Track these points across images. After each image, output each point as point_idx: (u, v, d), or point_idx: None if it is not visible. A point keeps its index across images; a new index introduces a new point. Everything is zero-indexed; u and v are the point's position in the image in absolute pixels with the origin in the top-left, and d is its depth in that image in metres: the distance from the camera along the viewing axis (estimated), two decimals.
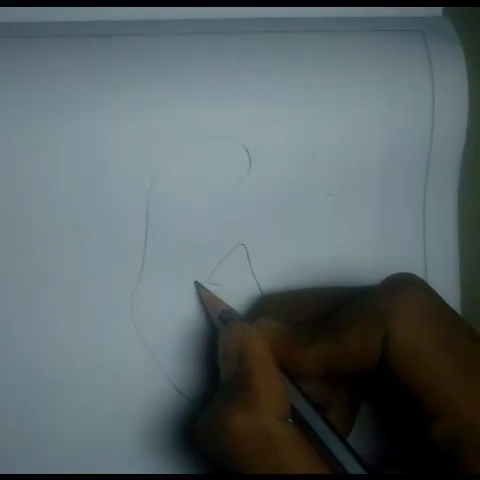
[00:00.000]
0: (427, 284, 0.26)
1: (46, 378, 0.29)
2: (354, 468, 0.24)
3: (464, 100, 0.30)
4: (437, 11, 0.32)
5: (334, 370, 0.25)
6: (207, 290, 0.29)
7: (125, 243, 0.29)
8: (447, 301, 0.26)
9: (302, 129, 0.29)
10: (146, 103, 0.28)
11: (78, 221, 0.28)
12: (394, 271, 0.27)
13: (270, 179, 0.29)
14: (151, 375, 0.29)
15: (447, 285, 0.31)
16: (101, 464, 0.29)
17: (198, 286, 0.29)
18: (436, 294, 0.26)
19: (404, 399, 0.25)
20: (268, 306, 0.29)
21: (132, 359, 0.29)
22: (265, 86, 0.29)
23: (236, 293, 0.30)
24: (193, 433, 0.25)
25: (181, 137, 0.28)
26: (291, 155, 0.29)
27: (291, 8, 0.31)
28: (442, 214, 0.31)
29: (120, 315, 0.29)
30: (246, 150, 0.29)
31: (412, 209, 0.31)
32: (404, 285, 0.26)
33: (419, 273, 0.27)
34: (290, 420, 0.25)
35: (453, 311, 0.26)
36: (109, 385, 0.29)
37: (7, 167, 0.28)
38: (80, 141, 0.28)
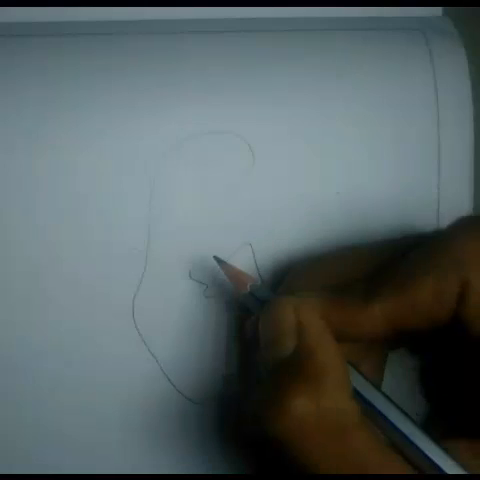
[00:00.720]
0: None
1: (47, 379, 0.29)
2: (420, 440, 0.22)
3: (467, 98, 0.30)
4: (437, 11, 0.32)
5: (401, 328, 0.23)
6: (230, 265, 0.27)
7: (127, 244, 0.29)
8: None
9: (305, 126, 0.29)
10: (149, 99, 0.28)
11: (79, 223, 0.28)
12: None
13: (273, 175, 0.29)
14: (152, 377, 0.29)
15: None
16: (101, 464, 0.29)
17: (219, 261, 0.27)
18: None
19: (476, 360, 0.23)
20: (298, 276, 0.27)
21: (134, 361, 0.29)
22: (268, 82, 0.29)
23: None
24: (241, 419, 0.23)
25: (184, 133, 0.28)
26: (294, 151, 0.29)
27: (293, 8, 0.31)
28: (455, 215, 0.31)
29: (122, 317, 0.29)
30: (249, 146, 0.29)
31: (424, 208, 0.30)
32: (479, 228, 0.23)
33: None
34: None
35: None
36: (110, 387, 0.29)
37: (7, 168, 0.28)
38: (80, 141, 0.28)
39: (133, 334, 0.29)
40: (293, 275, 0.27)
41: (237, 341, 0.29)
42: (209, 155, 0.29)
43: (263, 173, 0.29)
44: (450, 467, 0.22)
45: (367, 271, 0.24)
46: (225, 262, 0.27)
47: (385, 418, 0.23)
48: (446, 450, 0.22)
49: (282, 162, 0.29)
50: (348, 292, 0.23)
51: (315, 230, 0.30)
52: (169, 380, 0.29)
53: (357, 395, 0.23)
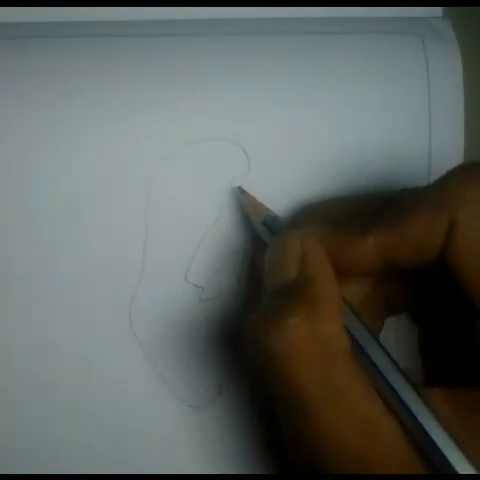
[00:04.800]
0: None
1: (44, 383, 0.29)
2: (399, 384, 0.23)
3: (460, 103, 0.30)
4: (437, 11, 0.32)
5: (393, 262, 0.24)
6: (250, 195, 0.28)
7: (124, 247, 0.29)
8: None
9: (301, 132, 0.29)
10: (145, 105, 0.28)
11: (76, 226, 0.29)
12: None
13: (269, 182, 0.29)
14: (149, 380, 0.30)
15: None
16: (99, 468, 0.29)
17: (241, 191, 0.29)
18: None
19: (456, 298, 0.24)
20: (311, 212, 0.28)
21: (130, 365, 0.29)
22: (264, 88, 0.29)
23: (237, 297, 0.30)
24: (244, 331, 0.24)
25: (180, 139, 0.29)
26: (290, 158, 0.29)
27: (288, 8, 0.31)
28: None
29: (119, 321, 0.29)
30: (245, 153, 0.29)
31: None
32: (475, 173, 0.24)
33: None
34: None
35: None
36: (107, 391, 0.29)
37: (6, 168, 0.28)
38: (79, 143, 0.28)
39: (130, 338, 0.29)
40: (302, 213, 0.29)
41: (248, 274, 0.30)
42: (205, 161, 0.29)
43: (259, 179, 0.29)
44: (422, 413, 0.22)
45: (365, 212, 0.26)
46: (245, 192, 0.28)
47: (368, 357, 0.23)
48: (421, 396, 0.22)
49: (277, 167, 0.29)
50: (346, 226, 0.25)
51: None
52: (166, 383, 0.30)
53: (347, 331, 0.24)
